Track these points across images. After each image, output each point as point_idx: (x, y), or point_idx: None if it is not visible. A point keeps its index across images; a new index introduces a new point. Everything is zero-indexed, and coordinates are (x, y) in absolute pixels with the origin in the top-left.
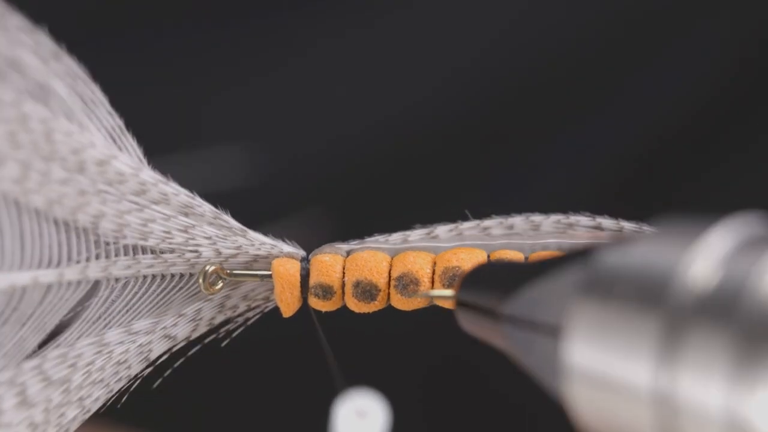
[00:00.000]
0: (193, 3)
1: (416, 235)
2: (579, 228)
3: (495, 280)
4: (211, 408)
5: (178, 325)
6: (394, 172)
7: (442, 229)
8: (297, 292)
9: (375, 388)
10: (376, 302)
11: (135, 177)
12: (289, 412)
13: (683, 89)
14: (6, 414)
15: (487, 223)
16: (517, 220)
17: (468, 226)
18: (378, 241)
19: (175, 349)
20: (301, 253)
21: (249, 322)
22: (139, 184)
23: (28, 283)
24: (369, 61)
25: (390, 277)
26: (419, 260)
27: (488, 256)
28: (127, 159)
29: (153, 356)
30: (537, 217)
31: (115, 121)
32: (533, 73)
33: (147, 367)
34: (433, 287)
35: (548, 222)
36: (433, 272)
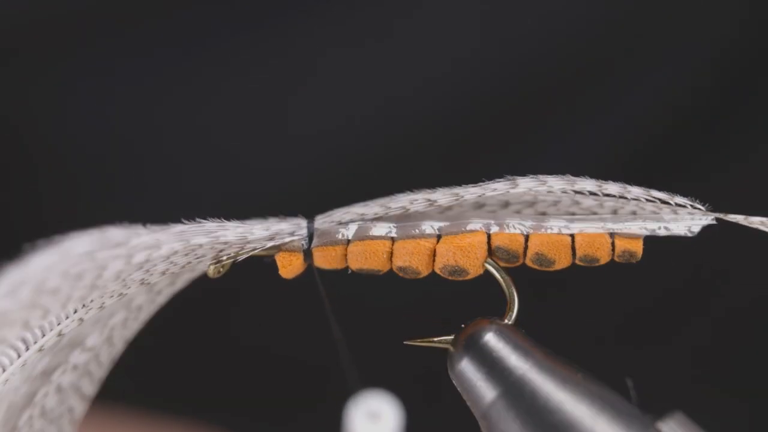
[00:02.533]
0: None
1: (418, 204)
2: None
3: (493, 377)
4: (223, 411)
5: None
6: (391, 174)
7: (442, 193)
8: (301, 270)
9: (385, 388)
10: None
11: (127, 289)
12: (302, 414)
13: (678, 89)
14: None
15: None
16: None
17: (472, 190)
18: (377, 214)
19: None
20: (303, 233)
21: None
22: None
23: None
24: (370, 60)
25: (392, 263)
26: (418, 256)
27: (488, 237)
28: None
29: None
30: (545, 178)
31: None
32: (526, 77)
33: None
34: (434, 266)
35: (557, 184)
36: (434, 261)
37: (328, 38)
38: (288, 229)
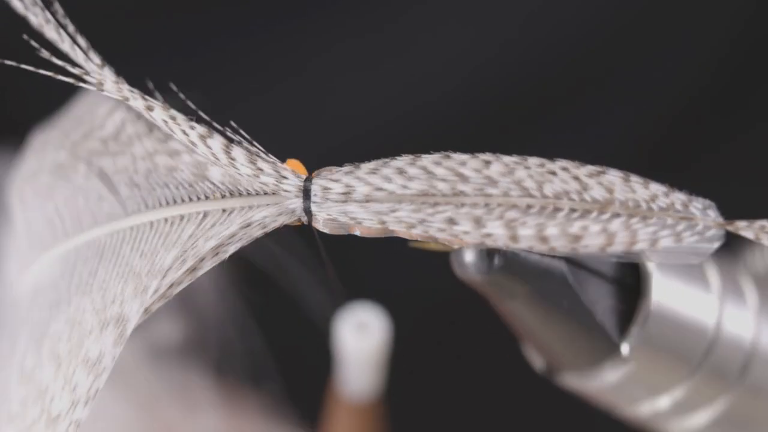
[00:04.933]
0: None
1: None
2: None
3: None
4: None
5: None
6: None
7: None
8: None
9: (375, 299)
10: None
11: None
12: (288, 328)
13: (685, 79)
14: None
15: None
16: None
17: (470, 163)
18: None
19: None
20: (300, 214)
21: None
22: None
23: None
24: (381, 61)
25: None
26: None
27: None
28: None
29: None
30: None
31: None
32: (532, 76)
33: None
34: None
35: (558, 165)
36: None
37: (334, 35)
38: (285, 212)
